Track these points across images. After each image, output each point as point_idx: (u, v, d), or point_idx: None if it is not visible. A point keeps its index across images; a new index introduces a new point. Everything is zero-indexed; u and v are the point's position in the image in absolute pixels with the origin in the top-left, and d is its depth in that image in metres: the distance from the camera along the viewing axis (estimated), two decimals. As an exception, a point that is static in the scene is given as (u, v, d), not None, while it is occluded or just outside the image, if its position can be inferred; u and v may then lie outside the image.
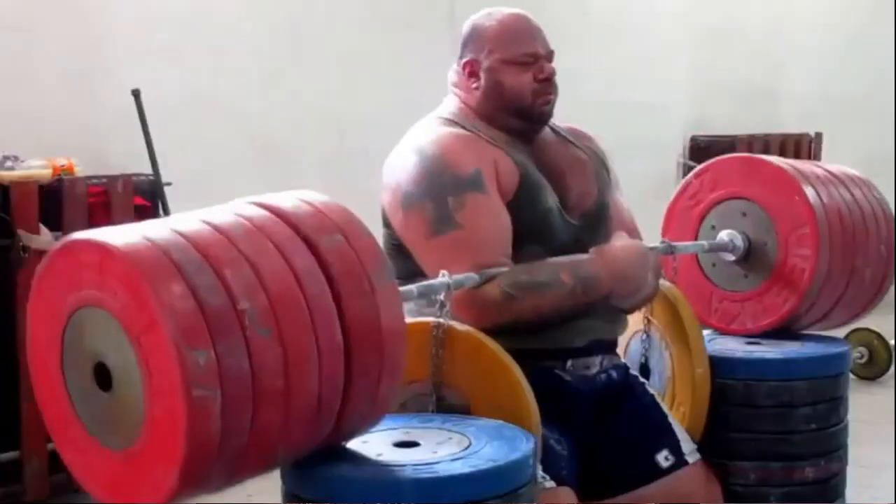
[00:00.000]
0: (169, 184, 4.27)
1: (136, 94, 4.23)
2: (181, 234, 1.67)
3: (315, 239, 1.76)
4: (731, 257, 2.84)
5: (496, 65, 2.43)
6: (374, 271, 1.79)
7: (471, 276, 2.21)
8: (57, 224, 3.96)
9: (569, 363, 2.41)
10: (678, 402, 2.62)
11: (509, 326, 2.23)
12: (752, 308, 2.84)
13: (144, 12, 4.62)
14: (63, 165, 4.06)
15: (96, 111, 4.42)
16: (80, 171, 4.12)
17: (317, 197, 1.87)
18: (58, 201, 3.97)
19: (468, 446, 1.91)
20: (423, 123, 2.47)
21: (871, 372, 5.61)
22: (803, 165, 2.92)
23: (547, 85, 2.44)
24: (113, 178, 4.15)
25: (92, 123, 4.42)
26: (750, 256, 2.83)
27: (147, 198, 4.21)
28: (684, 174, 6.84)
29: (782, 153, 6.59)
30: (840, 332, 2.99)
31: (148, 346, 1.59)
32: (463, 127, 2.42)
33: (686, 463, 2.50)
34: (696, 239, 2.88)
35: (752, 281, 2.84)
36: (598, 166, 2.57)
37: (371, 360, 1.78)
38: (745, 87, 7.34)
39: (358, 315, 1.75)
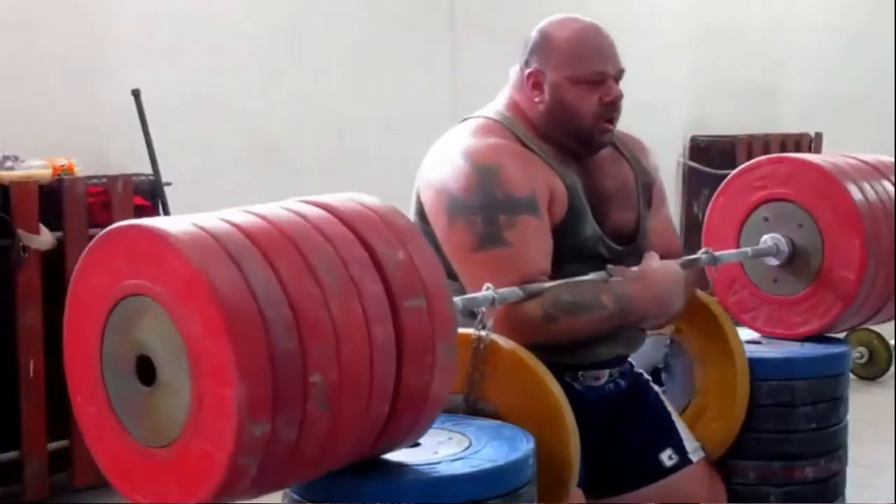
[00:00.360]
0: (169, 184, 4.27)
1: (136, 94, 4.23)
2: (276, 272, 1.58)
3: (399, 300, 1.69)
4: (774, 262, 2.81)
5: (562, 82, 2.33)
6: (442, 344, 1.74)
7: (514, 291, 2.16)
8: (57, 224, 3.96)
9: (579, 374, 2.39)
10: (709, 417, 2.57)
11: (545, 346, 2.18)
12: (770, 312, 2.82)
13: (144, 12, 4.63)
14: (63, 165, 4.06)
15: (96, 111, 4.43)
16: (80, 171, 4.12)
17: (415, 243, 1.76)
18: (58, 201, 3.97)
19: (468, 446, 1.91)
20: (476, 122, 2.37)
21: (871, 372, 5.61)
22: (875, 191, 2.79)
23: (611, 108, 2.34)
24: (113, 178, 4.15)
25: (92, 123, 4.42)
26: (790, 264, 2.80)
27: (147, 198, 4.21)
28: (684, 174, 6.89)
29: (782, 153, 6.58)
30: (840, 332, 2.98)
31: (210, 396, 1.54)
32: (518, 137, 2.34)
33: (690, 462, 2.50)
34: (745, 218, 2.83)
35: (782, 288, 2.82)
36: (643, 190, 2.50)
37: (410, 422, 1.77)
38: (745, 87, 7.35)
39: (411, 386, 1.72)
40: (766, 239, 2.80)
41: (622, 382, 2.48)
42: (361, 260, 1.68)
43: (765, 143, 6.91)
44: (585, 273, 2.29)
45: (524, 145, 2.33)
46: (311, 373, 1.57)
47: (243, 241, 1.60)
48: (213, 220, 1.63)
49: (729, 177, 2.92)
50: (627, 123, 2.52)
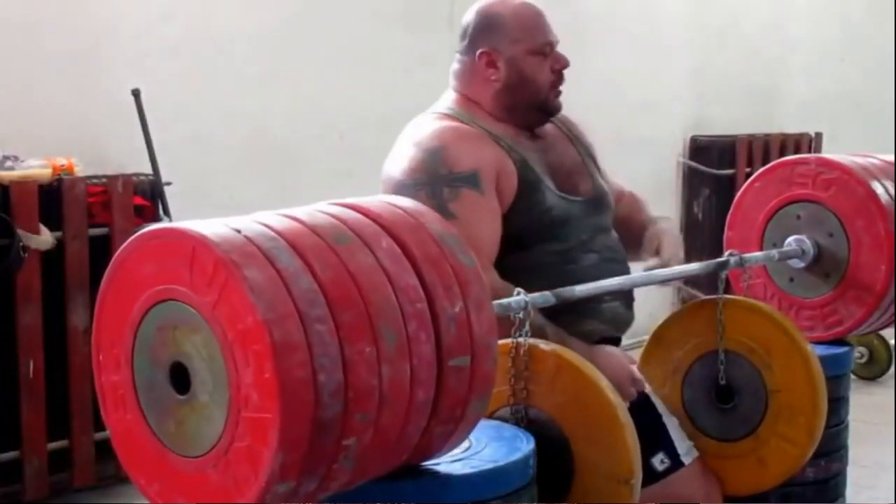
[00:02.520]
0: (169, 184, 4.26)
1: (136, 93, 4.22)
2: (339, 328, 1.54)
3: (446, 359, 1.66)
4: (799, 264, 2.81)
5: (518, 55, 2.39)
6: (476, 401, 1.72)
7: (546, 296, 2.13)
8: (57, 224, 3.96)
9: None
10: (795, 413, 2.49)
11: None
12: (779, 309, 2.81)
13: (144, 12, 4.62)
14: (63, 165, 4.06)
15: (96, 111, 4.42)
16: (80, 171, 4.11)
17: (474, 290, 1.72)
18: (58, 201, 3.96)
19: (468, 447, 1.90)
20: (420, 119, 2.43)
21: (871, 372, 5.61)
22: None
23: (560, 75, 2.43)
24: (113, 178, 4.15)
25: (92, 123, 4.41)
26: (810, 268, 2.80)
27: (147, 198, 4.21)
28: (684, 174, 6.89)
29: (782, 153, 6.59)
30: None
31: (245, 446, 1.53)
32: (463, 122, 2.38)
33: (682, 465, 2.48)
34: (776, 209, 2.85)
35: (796, 289, 2.83)
36: (591, 160, 2.55)
37: (424, 461, 1.78)
38: (745, 87, 7.35)
39: (435, 436, 1.71)
40: (791, 241, 2.80)
41: None
42: (420, 315, 1.64)
43: (765, 143, 6.91)
44: (555, 254, 2.33)
45: (476, 129, 2.37)
46: (346, 437, 1.55)
47: (314, 290, 1.55)
48: (282, 254, 1.56)
49: (769, 166, 2.93)
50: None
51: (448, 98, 2.47)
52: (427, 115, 2.43)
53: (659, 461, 2.45)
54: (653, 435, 2.47)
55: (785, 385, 2.49)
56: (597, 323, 2.39)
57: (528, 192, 2.35)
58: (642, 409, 2.48)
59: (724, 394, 2.54)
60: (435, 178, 2.27)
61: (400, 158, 2.35)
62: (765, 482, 2.54)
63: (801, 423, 2.48)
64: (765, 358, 2.50)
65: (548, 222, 2.36)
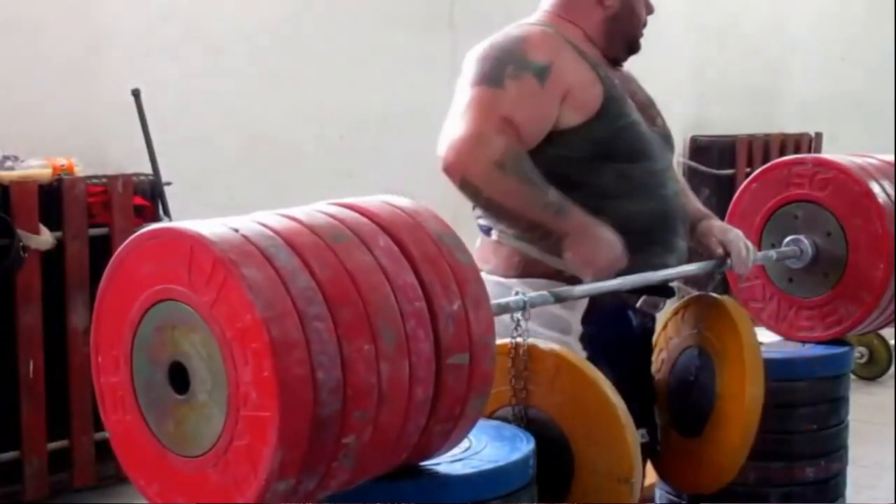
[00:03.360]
0: (169, 184, 4.26)
1: (136, 94, 4.22)
2: (337, 327, 1.54)
3: (445, 357, 1.66)
4: (798, 263, 2.82)
5: None
6: (475, 399, 1.73)
7: (545, 296, 2.13)
8: (57, 224, 3.96)
9: (642, 299, 2.40)
10: (726, 422, 2.46)
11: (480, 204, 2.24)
12: (778, 310, 2.83)
13: (144, 12, 4.62)
14: (63, 165, 4.06)
15: (96, 111, 4.42)
16: (80, 171, 4.11)
17: (471, 288, 1.72)
18: (58, 201, 3.97)
19: (468, 447, 1.91)
20: (513, 25, 2.44)
21: (871, 372, 5.61)
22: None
23: (647, 19, 2.55)
24: (113, 178, 4.15)
25: (92, 123, 4.42)
26: (809, 268, 2.80)
27: (147, 198, 4.21)
28: (684, 174, 6.88)
29: (782, 153, 6.59)
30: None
31: (244, 445, 1.53)
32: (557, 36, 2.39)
33: (655, 451, 2.48)
34: (774, 209, 2.85)
35: (795, 289, 2.83)
36: (653, 103, 2.61)
37: (424, 460, 1.78)
38: (745, 87, 7.35)
39: (435, 434, 1.72)
40: (789, 241, 2.79)
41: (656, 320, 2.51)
42: (419, 313, 1.64)
43: (765, 143, 6.91)
44: (641, 171, 2.34)
45: (566, 42, 2.39)
46: (345, 435, 1.55)
47: (312, 288, 1.55)
48: (280, 253, 1.56)
49: (766, 167, 2.94)
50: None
51: (538, 16, 2.48)
52: (522, 22, 2.44)
53: (641, 434, 2.44)
54: (646, 411, 2.47)
55: (727, 392, 2.45)
56: (670, 257, 2.39)
57: (615, 104, 2.37)
58: (648, 386, 2.50)
59: (691, 390, 2.53)
60: (508, 55, 2.30)
61: (486, 43, 2.37)
62: (700, 484, 2.51)
63: (731, 435, 2.43)
64: (722, 361, 2.48)
65: (637, 136, 2.38)
